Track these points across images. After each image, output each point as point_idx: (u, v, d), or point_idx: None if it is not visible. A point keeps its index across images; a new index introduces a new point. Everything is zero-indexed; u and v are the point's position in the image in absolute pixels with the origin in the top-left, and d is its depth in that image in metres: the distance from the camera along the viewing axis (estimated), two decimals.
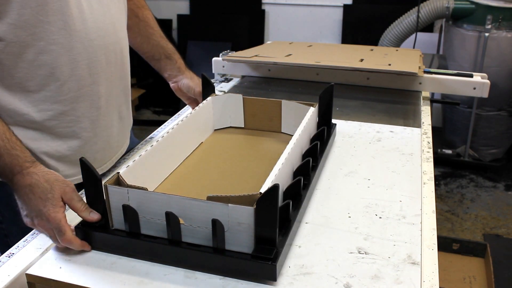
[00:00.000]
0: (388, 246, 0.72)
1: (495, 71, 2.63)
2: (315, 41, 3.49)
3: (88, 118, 0.90)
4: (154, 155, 0.82)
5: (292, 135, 0.87)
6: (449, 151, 2.96)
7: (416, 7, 2.75)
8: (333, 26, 3.47)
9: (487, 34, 2.61)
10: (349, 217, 0.80)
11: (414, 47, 2.80)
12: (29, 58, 0.80)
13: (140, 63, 1.32)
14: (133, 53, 1.08)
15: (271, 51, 1.60)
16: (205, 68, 1.64)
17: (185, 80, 1.15)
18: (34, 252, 0.72)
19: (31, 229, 0.76)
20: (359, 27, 3.36)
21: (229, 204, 0.63)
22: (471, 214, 2.52)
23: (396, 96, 1.43)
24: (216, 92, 1.11)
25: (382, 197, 0.86)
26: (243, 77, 1.61)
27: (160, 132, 1.19)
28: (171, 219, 0.66)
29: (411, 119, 1.25)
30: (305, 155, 0.89)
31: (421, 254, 0.71)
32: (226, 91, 1.45)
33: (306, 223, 0.78)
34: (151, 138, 1.16)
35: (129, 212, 0.68)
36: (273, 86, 1.53)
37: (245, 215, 0.63)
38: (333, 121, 1.10)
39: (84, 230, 0.71)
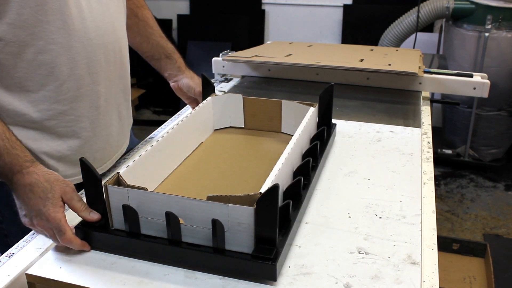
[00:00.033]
0: (388, 246, 0.72)
1: (495, 71, 2.63)
2: (315, 41, 3.49)
3: (87, 117, 0.90)
4: (154, 155, 0.82)
5: (292, 135, 0.87)
6: (449, 151, 2.96)
7: (416, 7, 2.75)
8: (333, 26, 3.47)
9: (487, 34, 2.61)
10: (349, 217, 0.80)
11: (414, 47, 2.80)
12: (28, 57, 0.80)
13: (140, 62, 1.31)
14: (132, 53, 1.08)
15: (271, 51, 1.60)
16: (205, 68, 1.63)
17: (185, 80, 1.15)
18: (34, 252, 0.72)
19: (31, 229, 0.76)
20: (359, 27, 3.36)
21: (229, 204, 0.63)
22: (471, 214, 2.52)
23: (396, 96, 1.42)
24: (216, 92, 1.11)
25: (382, 197, 0.86)
26: (243, 77, 1.61)
27: (160, 132, 1.19)
28: (171, 219, 0.66)
29: (411, 119, 1.25)
30: (305, 155, 0.89)
31: (421, 254, 0.71)
32: (226, 91, 1.45)
33: (306, 223, 0.78)
34: (151, 138, 1.16)
35: (129, 212, 0.68)
36: (273, 86, 1.53)
37: (245, 215, 0.63)
38: (333, 121, 1.10)
39: (84, 230, 0.71)
